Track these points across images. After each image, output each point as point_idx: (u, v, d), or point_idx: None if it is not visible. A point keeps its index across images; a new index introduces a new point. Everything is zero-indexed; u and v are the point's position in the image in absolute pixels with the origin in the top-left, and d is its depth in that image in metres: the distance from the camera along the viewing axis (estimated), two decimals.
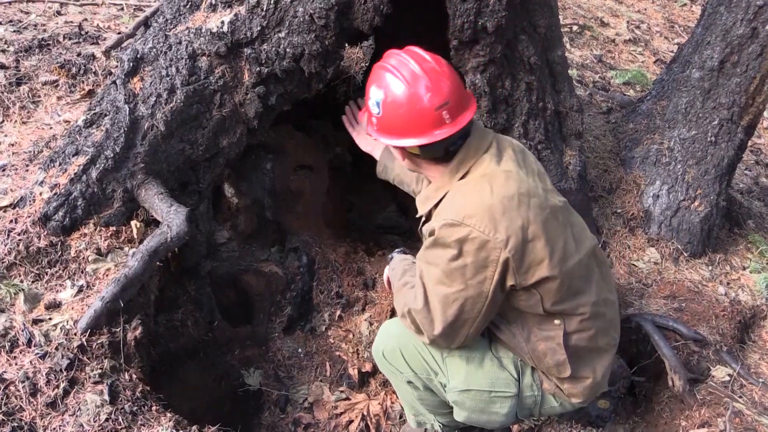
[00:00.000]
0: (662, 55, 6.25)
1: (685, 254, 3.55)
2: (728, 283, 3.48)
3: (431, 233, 2.08)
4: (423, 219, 2.29)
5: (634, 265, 3.45)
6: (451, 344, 2.23)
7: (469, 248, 2.00)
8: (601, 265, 2.31)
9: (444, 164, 2.16)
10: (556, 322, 2.16)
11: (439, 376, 2.31)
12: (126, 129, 2.62)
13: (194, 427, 2.23)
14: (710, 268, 3.55)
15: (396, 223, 3.84)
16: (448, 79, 2.09)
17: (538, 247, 2.04)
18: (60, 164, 2.67)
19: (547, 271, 2.04)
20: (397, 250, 2.62)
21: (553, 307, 2.12)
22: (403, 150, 2.18)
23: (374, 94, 2.12)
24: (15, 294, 2.39)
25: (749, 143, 4.05)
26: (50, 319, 2.34)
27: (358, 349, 3.13)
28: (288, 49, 2.73)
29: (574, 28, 6.17)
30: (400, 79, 2.06)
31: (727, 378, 2.94)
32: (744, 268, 3.63)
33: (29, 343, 2.26)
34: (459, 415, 2.38)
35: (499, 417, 2.32)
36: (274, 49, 2.74)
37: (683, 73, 3.71)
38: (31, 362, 2.21)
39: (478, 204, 2.02)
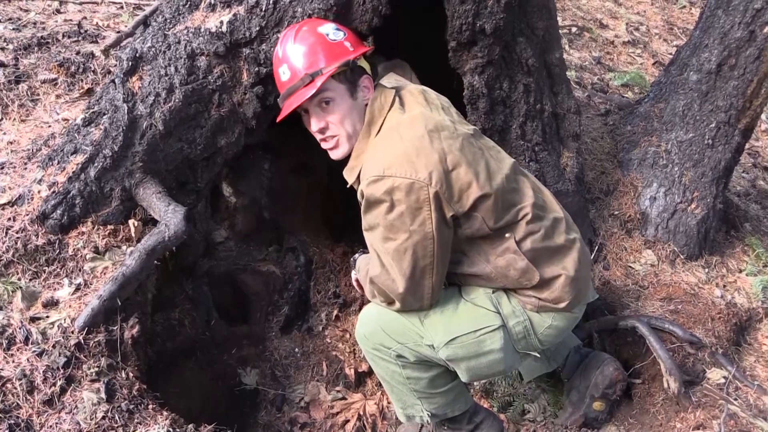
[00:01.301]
0: (661, 58, 6.26)
1: (682, 256, 3.56)
2: (724, 286, 3.49)
3: (362, 196, 2.18)
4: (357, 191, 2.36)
5: (630, 267, 3.46)
6: (421, 301, 2.28)
7: (399, 196, 2.09)
8: (527, 177, 2.43)
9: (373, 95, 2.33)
10: (506, 235, 2.26)
11: (425, 339, 2.33)
12: (124, 128, 2.62)
13: (191, 426, 2.24)
14: (706, 270, 3.56)
15: None
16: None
17: (462, 173, 2.15)
18: (58, 162, 2.68)
19: (478, 191, 2.15)
20: (358, 252, 2.67)
21: (497, 224, 2.22)
22: (368, 81, 2.33)
23: (326, 28, 2.32)
24: (13, 292, 2.39)
25: (747, 146, 4.06)
26: (47, 317, 2.35)
27: (354, 349, 3.15)
28: None
29: (573, 29, 6.18)
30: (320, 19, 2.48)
31: (723, 380, 2.95)
32: (740, 271, 3.64)
33: (26, 340, 2.26)
34: (462, 374, 2.39)
35: (497, 355, 2.32)
36: (272, 49, 2.74)
37: (681, 76, 3.72)
38: (28, 360, 2.21)
39: (393, 153, 2.14)
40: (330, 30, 2.30)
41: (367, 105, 2.30)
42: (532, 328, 2.37)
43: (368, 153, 2.24)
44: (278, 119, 2.36)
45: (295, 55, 2.27)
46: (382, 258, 2.21)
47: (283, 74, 2.30)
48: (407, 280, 2.19)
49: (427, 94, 2.41)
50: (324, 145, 2.38)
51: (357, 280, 2.68)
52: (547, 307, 2.34)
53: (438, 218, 2.12)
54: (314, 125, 2.32)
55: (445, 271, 2.26)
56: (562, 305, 2.33)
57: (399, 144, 2.16)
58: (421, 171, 2.09)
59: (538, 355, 2.51)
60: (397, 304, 2.29)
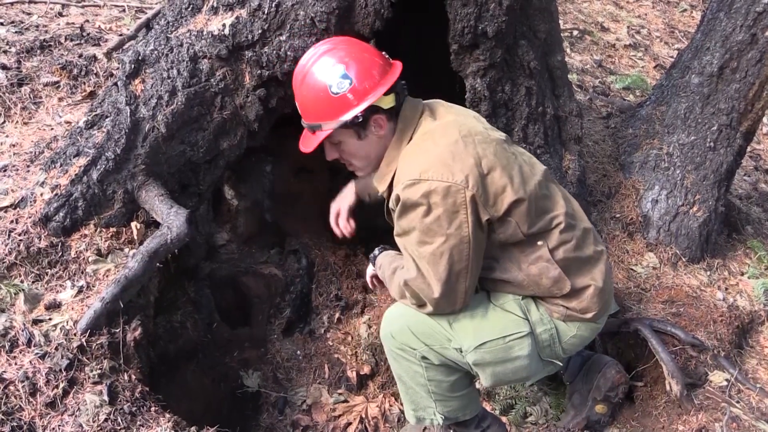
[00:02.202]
0: (662, 61, 6.27)
1: (684, 259, 3.56)
2: (726, 289, 3.49)
3: (397, 201, 2.17)
4: (386, 202, 2.37)
5: (632, 269, 3.46)
6: (454, 306, 2.26)
7: (436, 199, 2.09)
8: (557, 185, 2.42)
9: (395, 128, 2.28)
10: (539, 243, 2.26)
11: (452, 342, 2.32)
12: (127, 130, 2.63)
13: (193, 428, 2.24)
14: (708, 273, 3.56)
15: None
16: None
17: (496, 176, 2.15)
18: (61, 165, 2.68)
19: (512, 195, 2.16)
20: (378, 248, 2.63)
21: (531, 230, 2.23)
22: (382, 117, 2.24)
23: (332, 77, 2.17)
24: (15, 294, 2.39)
25: (748, 149, 4.06)
26: (50, 319, 2.35)
27: (356, 352, 3.14)
28: (289, 52, 2.74)
29: (575, 32, 6.19)
30: (340, 46, 2.24)
31: (725, 383, 2.95)
32: (742, 274, 3.64)
33: (29, 343, 2.26)
34: (484, 379, 2.39)
35: (522, 362, 2.33)
36: (275, 52, 2.75)
37: (682, 79, 3.72)
38: (30, 362, 2.22)
39: (428, 158, 2.14)
40: (335, 80, 2.17)
41: (380, 137, 2.28)
42: (558, 336, 2.38)
43: (402, 160, 2.23)
44: (302, 149, 2.34)
45: (300, 99, 2.27)
46: (418, 262, 2.19)
47: (297, 107, 2.31)
48: (443, 285, 2.17)
49: (457, 106, 2.43)
50: (347, 167, 2.43)
51: (374, 277, 2.68)
52: (574, 316, 2.35)
53: (474, 222, 2.12)
54: (328, 156, 2.35)
55: (477, 276, 2.26)
56: (589, 315, 2.35)
57: (434, 149, 2.17)
58: (457, 174, 2.09)
59: (560, 364, 2.51)
60: (429, 308, 2.27)
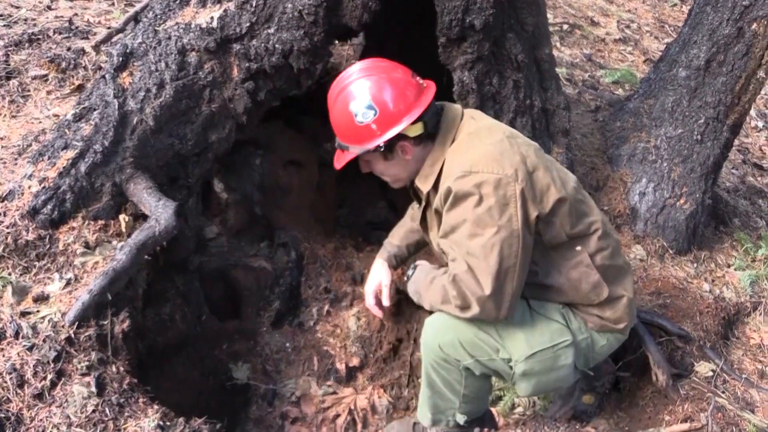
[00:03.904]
0: (652, 55, 6.28)
1: (671, 251, 3.58)
2: (713, 280, 3.52)
3: (447, 194, 2.19)
4: (424, 205, 2.42)
5: None
6: (499, 310, 2.21)
7: (487, 190, 2.12)
8: (588, 194, 2.48)
9: (431, 143, 2.32)
10: (578, 248, 2.30)
11: (500, 353, 2.33)
12: (115, 123, 2.62)
13: (181, 420, 2.24)
14: (695, 265, 3.58)
15: (385, 219, 3.86)
16: (388, 60, 2.35)
17: (540, 175, 2.21)
18: (49, 158, 2.67)
19: (556, 193, 2.21)
20: (411, 266, 2.60)
21: (573, 231, 2.27)
22: (409, 144, 2.29)
23: (357, 106, 2.24)
24: (3, 286, 2.39)
25: (736, 142, 4.09)
26: (38, 311, 2.35)
27: (345, 344, 3.15)
28: (277, 45, 2.74)
29: (565, 27, 6.19)
30: (373, 74, 2.26)
31: (711, 373, 2.98)
32: (729, 266, 3.66)
33: (17, 335, 2.26)
34: (525, 389, 2.41)
35: (565, 371, 2.36)
36: (263, 45, 2.75)
37: (670, 72, 3.74)
38: (18, 354, 2.22)
39: (477, 154, 2.19)
40: (361, 109, 2.23)
41: (407, 161, 2.33)
42: (593, 345, 2.42)
43: (449, 157, 2.27)
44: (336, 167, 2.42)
45: (332, 119, 2.33)
46: (468, 258, 2.18)
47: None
48: (493, 280, 2.15)
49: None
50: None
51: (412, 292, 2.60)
52: (606, 327, 2.39)
53: (523, 216, 2.14)
54: (361, 169, 2.42)
55: (524, 280, 2.24)
56: (621, 326, 2.39)
57: (481, 146, 2.22)
58: (507, 168, 2.15)
59: (591, 373, 2.56)
60: (474, 309, 2.21)
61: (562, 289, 2.34)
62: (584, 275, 2.31)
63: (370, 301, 2.77)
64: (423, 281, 2.43)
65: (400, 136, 2.25)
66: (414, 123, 2.23)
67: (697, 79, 3.58)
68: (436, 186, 2.30)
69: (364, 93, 2.24)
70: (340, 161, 2.37)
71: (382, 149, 2.26)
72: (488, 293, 2.16)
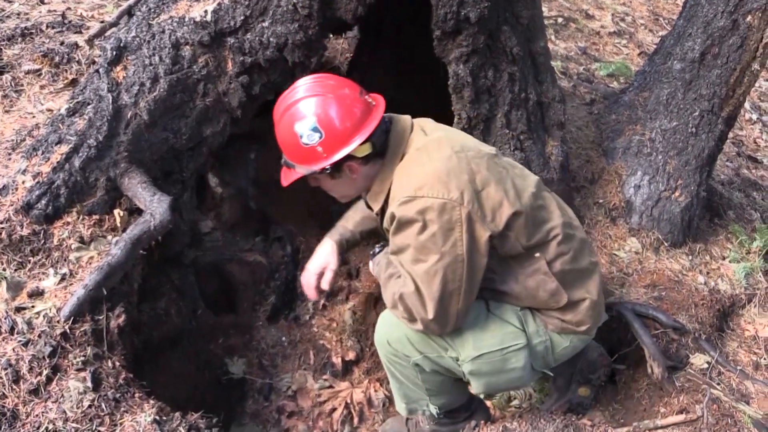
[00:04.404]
0: (646, 48, 6.28)
1: (666, 244, 3.58)
2: (708, 273, 3.52)
3: (392, 219, 2.15)
4: (380, 217, 2.34)
5: (615, 254, 3.49)
6: (444, 328, 2.23)
7: (431, 216, 2.07)
8: (551, 194, 2.43)
9: (380, 159, 2.25)
10: (536, 255, 2.26)
11: (449, 351, 2.32)
12: (109, 117, 2.62)
13: (177, 414, 2.24)
14: (690, 257, 3.59)
15: None
16: (336, 76, 2.28)
17: (492, 191, 2.15)
18: (43, 153, 2.66)
19: (510, 208, 2.15)
20: (378, 245, 2.61)
21: (529, 242, 2.22)
22: (356, 163, 2.21)
23: (302, 128, 2.15)
24: None
25: (731, 135, 4.09)
26: (33, 306, 2.34)
27: (341, 338, 3.16)
28: (271, 39, 2.74)
29: (559, 20, 6.19)
30: (319, 93, 2.18)
31: (706, 365, 2.98)
32: (723, 258, 3.67)
33: (12, 330, 2.26)
34: (477, 387, 2.41)
35: (517, 373, 2.35)
36: (257, 38, 2.74)
37: (665, 65, 3.74)
38: (13, 350, 2.21)
39: (423, 174, 2.13)
40: (306, 131, 2.14)
41: (354, 180, 2.27)
42: (552, 348, 2.40)
43: (396, 176, 2.21)
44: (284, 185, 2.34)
45: (278, 136, 2.26)
46: (414, 279, 2.15)
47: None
48: (436, 305, 2.14)
49: (443, 125, 2.43)
50: None
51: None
52: (568, 329, 2.37)
53: (469, 240, 2.10)
54: (310, 183, 2.35)
55: (471, 300, 2.22)
56: (583, 328, 2.37)
57: (428, 165, 2.15)
58: (453, 191, 2.09)
59: (551, 374, 2.54)
60: (419, 326, 2.23)
61: (518, 296, 2.33)
62: (541, 283, 2.28)
63: (310, 280, 2.63)
64: (382, 272, 2.40)
65: (348, 157, 2.17)
66: (362, 144, 2.16)
67: (692, 72, 3.57)
68: (385, 205, 2.26)
69: (309, 114, 2.14)
70: (287, 179, 2.30)
71: (328, 171, 2.20)
72: (431, 317, 2.16)
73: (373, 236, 2.73)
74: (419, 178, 2.12)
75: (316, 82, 2.21)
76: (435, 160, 2.15)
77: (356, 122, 2.16)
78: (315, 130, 2.14)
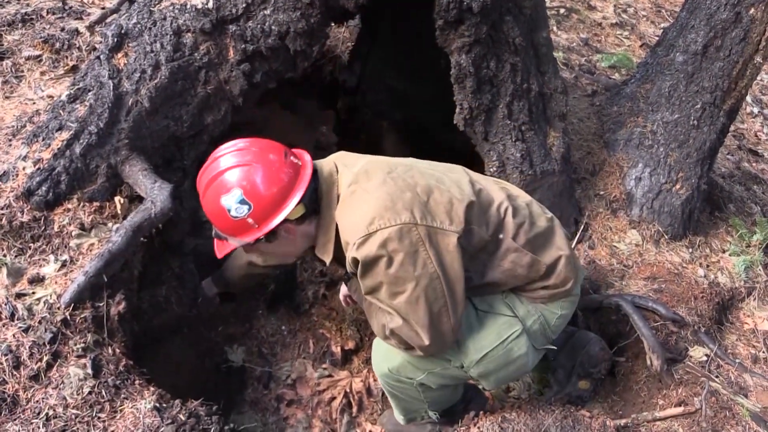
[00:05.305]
0: (648, 40, 6.26)
1: (666, 236, 3.59)
2: (708, 266, 3.53)
3: (355, 263, 2.08)
4: (340, 268, 2.32)
5: (615, 246, 3.49)
6: (444, 348, 2.23)
7: (393, 246, 2.02)
8: (478, 174, 2.39)
9: (316, 215, 2.19)
10: (501, 236, 2.23)
11: (452, 362, 2.32)
12: (110, 104, 2.61)
13: (177, 401, 2.25)
14: (690, 250, 3.59)
15: None
16: (260, 141, 2.17)
17: (437, 195, 2.12)
18: (43, 139, 2.66)
19: (461, 203, 2.13)
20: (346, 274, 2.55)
21: (490, 227, 2.20)
22: (292, 225, 2.15)
23: (229, 201, 2.06)
24: None
25: (732, 128, 4.09)
26: (33, 293, 2.34)
27: (341, 327, 3.16)
28: (273, 27, 2.73)
29: (561, 11, 6.17)
30: (243, 163, 2.07)
31: (705, 358, 2.99)
32: (724, 251, 3.67)
33: (12, 316, 2.26)
34: (488, 385, 2.41)
35: (522, 359, 2.35)
36: (259, 26, 2.73)
37: (667, 57, 3.73)
38: (14, 336, 2.22)
39: (367, 208, 2.06)
40: (233, 204, 2.05)
41: (293, 240, 2.19)
42: (546, 322, 2.39)
43: (340, 222, 2.14)
44: (219, 256, 2.26)
45: (204, 209, 2.16)
46: (399, 312, 2.12)
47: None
48: (429, 330, 2.11)
49: (356, 154, 2.37)
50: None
51: (348, 296, 2.67)
52: (555, 294, 2.36)
53: (436, 255, 2.06)
54: (249, 256, 2.34)
55: (461, 311, 2.17)
56: (568, 285, 2.35)
57: (368, 197, 2.09)
58: (402, 213, 2.03)
59: (554, 347, 2.53)
60: (419, 353, 2.21)
61: (500, 282, 2.31)
62: (516, 260, 2.25)
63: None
64: (362, 301, 2.34)
65: (283, 221, 2.10)
66: (294, 208, 2.09)
67: (694, 64, 3.56)
68: (337, 252, 2.20)
69: (234, 185, 2.05)
70: (221, 251, 2.21)
71: (263, 241, 2.13)
72: (428, 343, 2.14)
73: None
74: (365, 213, 2.05)
75: (239, 150, 2.11)
76: (372, 190, 2.10)
77: (285, 188, 2.08)
78: (242, 202, 2.05)
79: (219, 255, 2.24)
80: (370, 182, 2.12)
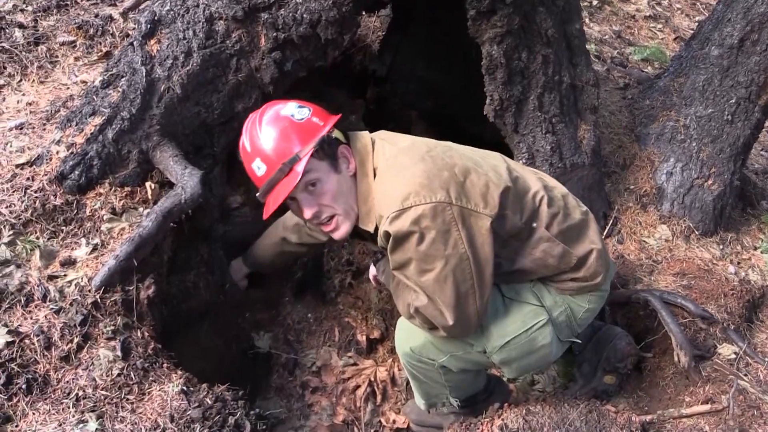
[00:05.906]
0: (682, 33, 6.18)
1: (697, 232, 3.55)
2: (738, 263, 3.48)
3: (387, 237, 2.10)
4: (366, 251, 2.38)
5: (644, 241, 3.46)
6: (468, 330, 2.23)
7: (426, 223, 2.03)
8: (517, 162, 2.44)
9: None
10: (534, 225, 2.24)
11: (475, 346, 2.32)
12: (142, 91, 2.63)
13: (204, 385, 2.27)
14: (721, 246, 3.55)
15: None
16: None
17: (474, 177, 2.13)
18: (77, 124, 2.69)
19: (497, 188, 2.14)
20: (379, 251, 2.57)
21: (524, 215, 2.21)
22: (348, 154, 2.23)
23: (289, 109, 2.18)
24: (31, 250, 2.42)
25: (766, 123, 4.02)
26: (65, 275, 2.38)
27: (367, 316, 3.17)
28: (305, 15, 2.73)
29: (594, 2, 6.10)
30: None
31: (733, 356, 2.95)
32: (755, 248, 3.62)
33: (44, 298, 2.30)
34: (509, 372, 2.43)
35: (545, 350, 2.34)
36: (291, 14, 2.73)
37: (702, 50, 3.68)
38: (45, 317, 2.25)
39: (403, 183, 2.08)
40: (294, 110, 2.16)
41: (354, 175, 2.22)
42: (573, 314, 2.39)
43: (376, 193, 2.17)
44: (265, 216, 2.25)
45: (266, 145, 2.14)
46: (426, 290, 2.13)
47: (258, 169, 2.17)
48: (454, 310, 2.12)
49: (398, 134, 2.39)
50: (325, 230, 2.30)
51: (376, 278, 2.67)
52: (584, 287, 2.35)
53: (468, 236, 2.07)
54: (307, 212, 2.21)
55: (487, 295, 2.18)
56: (598, 279, 2.34)
57: (406, 172, 2.10)
58: (438, 192, 2.04)
59: (579, 341, 2.53)
60: (442, 333, 2.22)
61: (530, 271, 2.31)
62: (548, 249, 2.25)
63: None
64: (390, 281, 2.36)
65: (338, 141, 2.19)
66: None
67: (729, 58, 3.51)
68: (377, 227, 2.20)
69: (288, 103, 2.21)
70: (287, 187, 2.12)
71: (330, 146, 2.16)
72: (452, 323, 2.14)
73: None
74: (401, 188, 2.07)
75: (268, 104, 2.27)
76: (410, 166, 2.11)
77: (321, 109, 2.23)
78: (301, 107, 2.18)
79: (267, 213, 2.23)
80: (410, 159, 2.14)
